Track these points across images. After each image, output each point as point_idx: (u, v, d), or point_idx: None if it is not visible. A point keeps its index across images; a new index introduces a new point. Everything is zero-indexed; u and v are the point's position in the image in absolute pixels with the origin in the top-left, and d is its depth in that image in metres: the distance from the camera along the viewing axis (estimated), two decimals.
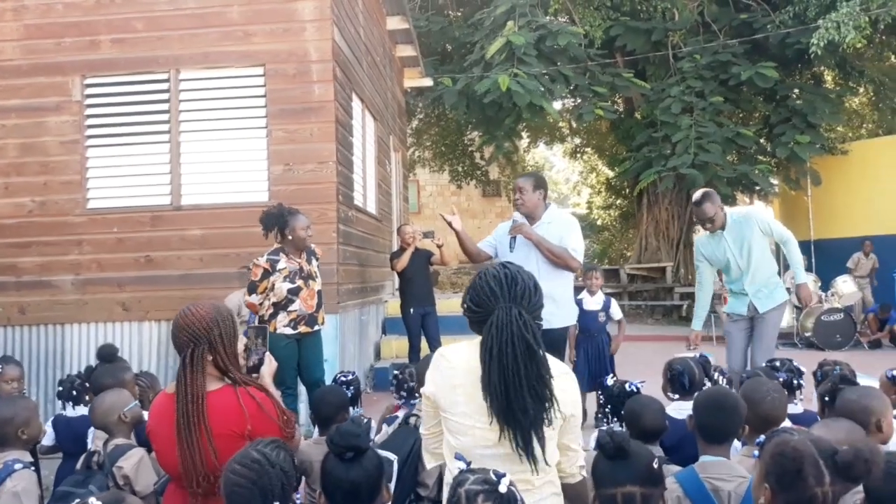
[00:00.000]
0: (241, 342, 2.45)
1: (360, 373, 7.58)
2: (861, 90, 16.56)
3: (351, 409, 3.75)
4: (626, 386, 3.49)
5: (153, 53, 6.60)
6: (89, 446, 3.34)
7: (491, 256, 4.94)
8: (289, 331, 5.07)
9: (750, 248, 5.09)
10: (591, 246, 22.99)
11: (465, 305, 2.11)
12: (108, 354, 4.12)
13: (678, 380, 3.42)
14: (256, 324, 5.43)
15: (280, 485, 1.90)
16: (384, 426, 3.49)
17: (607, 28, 13.52)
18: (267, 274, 5.05)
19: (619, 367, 6.15)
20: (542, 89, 11.98)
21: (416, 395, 3.52)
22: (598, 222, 23.72)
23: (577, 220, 5.11)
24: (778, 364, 3.63)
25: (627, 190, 18.49)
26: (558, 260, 4.62)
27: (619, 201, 21.57)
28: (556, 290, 4.63)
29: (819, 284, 11.36)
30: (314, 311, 5.15)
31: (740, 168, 12.93)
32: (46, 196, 6.61)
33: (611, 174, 20.00)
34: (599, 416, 4.19)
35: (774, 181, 14.38)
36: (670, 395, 3.45)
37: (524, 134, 18.83)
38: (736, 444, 2.74)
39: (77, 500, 1.95)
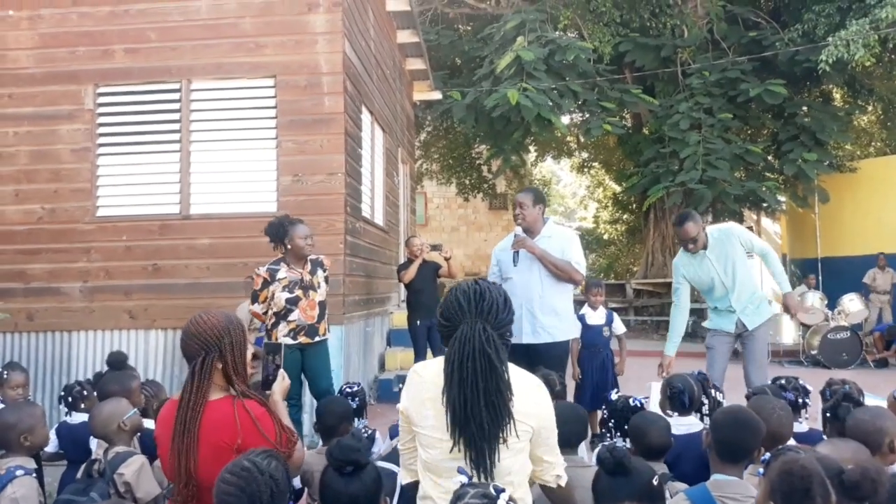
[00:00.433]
0: (250, 351, 2.46)
1: (364, 384, 7.57)
2: (870, 108, 16.57)
3: (356, 420, 3.75)
4: (631, 401, 3.49)
5: (165, 63, 6.66)
6: (93, 453, 3.35)
7: None
8: (289, 340, 5.05)
9: (734, 265, 5.01)
10: (598, 260, 22.97)
11: (437, 320, 2.17)
12: (117, 361, 4.14)
13: (678, 398, 3.40)
14: (268, 339, 5.47)
15: (269, 492, 1.91)
16: (379, 439, 3.50)
17: (616, 44, 13.57)
18: (266, 283, 5.05)
19: (623, 383, 5.99)
20: (551, 104, 12.01)
21: None
22: (605, 237, 23.71)
23: (576, 233, 5.11)
24: (784, 382, 3.62)
25: (634, 205, 18.48)
26: (562, 273, 4.62)
27: (625, 216, 21.56)
28: (559, 303, 4.65)
29: (826, 302, 11.31)
30: (315, 321, 5.10)
31: (748, 185, 12.91)
32: (56, 203, 6.66)
33: (618, 189, 20.01)
34: (603, 430, 4.17)
35: (782, 198, 14.35)
36: (668, 412, 3.43)
37: (532, 148, 18.87)
38: None
39: None
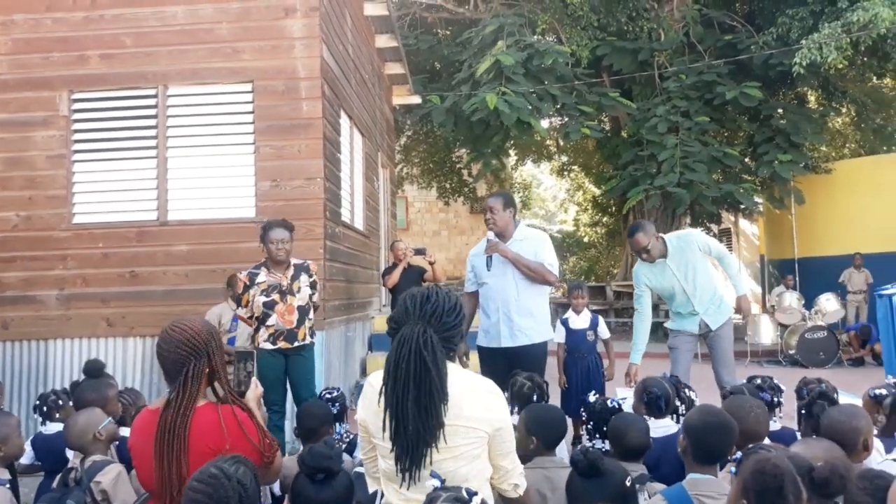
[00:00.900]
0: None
1: (345, 389, 7.55)
2: (843, 110, 16.80)
3: (337, 425, 3.75)
4: (609, 403, 3.51)
5: (141, 69, 6.61)
6: (69, 463, 3.31)
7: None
8: (269, 346, 5.04)
9: (695, 270, 5.07)
10: (578, 263, 23.08)
11: (389, 323, 2.19)
12: (94, 370, 4.09)
13: (655, 403, 3.43)
14: (244, 347, 5.45)
15: (237, 498, 1.89)
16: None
17: (594, 48, 13.65)
18: (246, 288, 5.06)
19: (607, 386, 5.80)
20: (530, 108, 12.07)
21: None
22: (585, 239, 23.83)
23: (548, 235, 5.10)
24: (760, 382, 3.66)
25: (614, 208, 18.60)
26: (535, 275, 4.65)
27: (605, 219, 21.69)
28: (534, 305, 4.68)
29: (803, 302, 11.45)
30: (293, 326, 5.05)
31: (725, 187, 13.04)
32: (32, 211, 6.58)
33: (597, 192, 20.11)
34: (582, 433, 4.19)
35: (759, 200, 14.52)
36: (644, 415, 3.46)
37: (512, 152, 18.93)
38: None
39: None
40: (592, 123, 13.36)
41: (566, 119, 13.93)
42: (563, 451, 3.39)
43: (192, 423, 2.23)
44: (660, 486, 2.71)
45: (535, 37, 13.66)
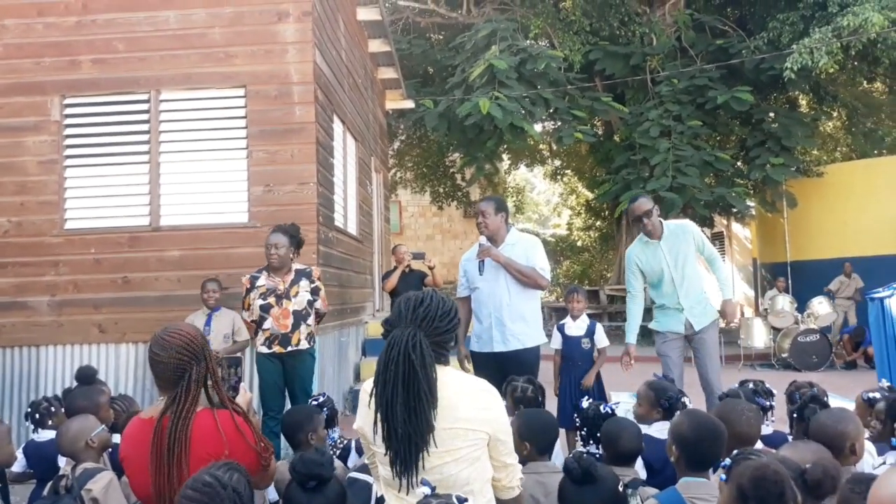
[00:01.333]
0: None
1: (339, 394, 7.55)
2: (834, 114, 16.89)
3: (328, 430, 3.75)
4: (602, 408, 3.51)
5: (134, 74, 6.60)
6: (61, 470, 3.29)
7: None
8: (265, 349, 5.10)
9: (685, 260, 5.08)
10: (572, 267, 23.11)
11: (383, 325, 2.22)
12: (86, 376, 4.07)
13: (675, 406, 3.44)
14: (232, 354, 5.50)
15: None
16: (354, 449, 3.49)
17: (586, 52, 13.70)
18: (248, 291, 5.17)
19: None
20: (523, 112, 12.09)
21: None
22: (579, 243, 23.86)
23: (539, 239, 5.09)
24: (753, 386, 3.68)
25: (607, 212, 18.63)
26: (527, 280, 4.66)
27: (598, 223, 21.73)
28: (526, 310, 4.69)
29: (795, 306, 11.49)
30: (288, 330, 5.09)
31: (717, 191, 13.10)
32: (23, 216, 6.55)
33: (590, 196, 20.16)
34: (576, 438, 4.17)
35: (751, 203, 14.57)
36: (659, 419, 3.46)
37: (505, 156, 18.96)
38: None
39: None
40: (585, 128, 13.41)
41: (559, 123, 13.97)
42: (560, 457, 3.38)
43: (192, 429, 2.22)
44: (652, 491, 2.71)
45: (528, 41, 13.70)
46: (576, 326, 5.44)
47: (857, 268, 12.29)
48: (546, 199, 30.81)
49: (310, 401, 4.03)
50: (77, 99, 6.66)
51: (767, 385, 3.68)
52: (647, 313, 5.37)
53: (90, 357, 6.43)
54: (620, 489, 2.20)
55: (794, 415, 3.10)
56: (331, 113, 7.40)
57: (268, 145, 6.52)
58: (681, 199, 12.41)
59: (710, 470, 2.60)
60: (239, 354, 5.63)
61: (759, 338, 11.30)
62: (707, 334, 5.10)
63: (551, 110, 13.53)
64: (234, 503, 1.89)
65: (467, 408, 2.10)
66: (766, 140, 13.39)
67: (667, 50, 13.76)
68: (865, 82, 15.92)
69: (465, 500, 1.76)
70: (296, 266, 5.25)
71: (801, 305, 11.49)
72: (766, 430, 3.43)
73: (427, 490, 1.85)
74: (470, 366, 4.85)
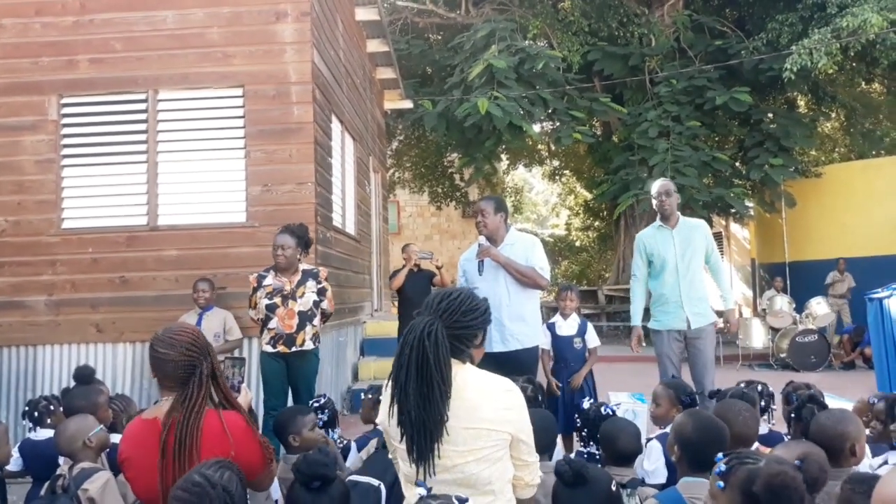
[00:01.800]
0: None
1: (337, 394, 7.54)
2: (833, 115, 16.90)
3: (329, 431, 3.77)
4: (602, 409, 3.51)
5: (131, 73, 6.59)
6: (59, 469, 3.28)
7: None
8: (269, 349, 5.14)
9: (693, 254, 5.12)
10: (570, 267, 23.12)
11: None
12: (84, 376, 4.06)
13: (693, 403, 3.45)
14: (236, 354, 5.52)
15: None
16: (353, 449, 3.48)
17: (585, 53, 13.71)
18: (254, 290, 5.20)
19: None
20: (522, 112, 12.09)
21: None
22: (577, 243, 23.87)
23: (538, 239, 5.07)
24: (759, 388, 3.68)
25: (605, 212, 18.64)
26: (527, 280, 4.65)
27: (597, 223, 21.74)
28: (526, 310, 4.68)
29: (793, 306, 11.50)
30: (293, 331, 5.11)
31: (716, 191, 13.10)
32: (20, 216, 6.54)
33: (589, 196, 20.17)
34: (576, 439, 4.16)
35: (750, 204, 14.58)
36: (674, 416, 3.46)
37: (503, 156, 18.96)
38: None
39: None
40: (584, 128, 13.41)
41: (558, 124, 13.97)
42: (559, 454, 3.38)
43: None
44: (651, 491, 2.71)
45: (527, 42, 13.70)
46: (567, 325, 5.33)
47: (855, 268, 12.30)
48: (544, 200, 30.81)
49: (311, 402, 4.03)
50: (75, 98, 6.65)
51: (763, 387, 3.67)
52: (647, 313, 5.36)
53: (87, 357, 6.42)
54: (614, 489, 2.19)
55: (792, 415, 3.10)
56: (329, 113, 7.39)
57: (266, 145, 6.51)
58: (679, 200, 12.40)
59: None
60: (244, 355, 5.64)
61: (757, 338, 11.30)
62: (704, 335, 5.09)
63: (550, 111, 13.53)
64: (223, 502, 1.87)
65: (490, 409, 2.10)
66: (764, 140, 13.39)
67: (665, 50, 13.77)
68: (864, 83, 15.94)
69: (466, 499, 1.76)
70: (303, 267, 5.27)
71: (800, 306, 11.50)
72: (763, 429, 3.43)
73: (423, 491, 1.84)
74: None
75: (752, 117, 13.74)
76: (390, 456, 2.35)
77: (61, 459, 3.33)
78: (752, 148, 13.50)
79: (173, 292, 6.39)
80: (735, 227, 18.70)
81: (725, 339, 10.89)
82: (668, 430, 3.34)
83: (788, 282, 12.79)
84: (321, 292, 5.27)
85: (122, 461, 2.35)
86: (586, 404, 3.74)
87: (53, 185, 6.57)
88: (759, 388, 3.70)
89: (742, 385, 3.67)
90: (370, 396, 3.94)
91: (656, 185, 5.31)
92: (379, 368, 8.46)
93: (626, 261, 15.65)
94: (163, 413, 2.25)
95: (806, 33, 11.61)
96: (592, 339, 5.32)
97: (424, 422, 2.02)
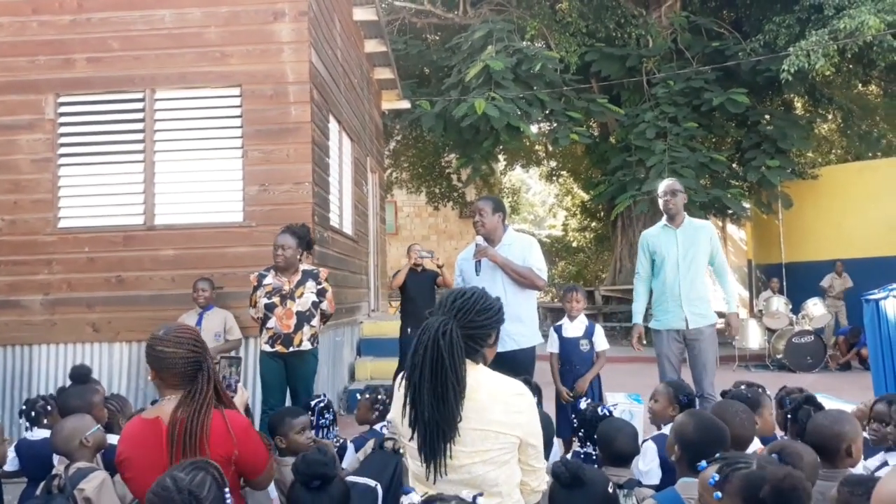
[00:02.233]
0: None
1: (333, 394, 7.53)
2: (830, 117, 16.94)
3: (329, 431, 3.77)
4: (599, 410, 3.51)
5: (129, 73, 6.58)
6: (54, 469, 3.27)
7: None
8: (267, 348, 5.15)
9: (696, 253, 5.12)
10: (567, 267, 23.12)
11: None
12: (80, 375, 4.05)
13: (692, 403, 3.46)
14: (232, 353, 5.52)
15: None
16: (350, 449, 3.48)
17: (583, 54, 13.72)
18: (255, 288, 5.22)
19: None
20: (519, 113, 12.10)
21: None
22: (574, 244, 23.87)
23: (536, 239, 5.05)
24: (745, 387, 3.68)
25: (602, 213, 18.65)
26: (524, 280, 4.65)
27: (594, 224, 21.75)
28: (523, 310, 4.68)
29: (790, 307, 11.51)
30: (291, 331, 5.12)
31: (713, 192, 13.12)
32: (17, 215, 6.52)
33: (586, 197, 20.18)
34: (573, 439, 4.15)
35: (747, 205, 14.60)
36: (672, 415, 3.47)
37: (501, 157, 18.97)
38: None
39: None
40: (581, 129, 13.43)
41: (555, 125, 13.98)
42: (557, 454, 3.38)
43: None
44: (648, 492, 2.71)
45: (525, 43, 13.72)
46: (573, 327, 5.14)
47: (852, 269, 12.32)
48: (542, 200, 30.80)
49: (313, 402, 4.03)
50: (71, 97, 6.63)
51: (759, 389, 3.67)
52: (646, 314, 5.37)
53: (83, 356, 6.40)
54: (611, 490, 2.19)
55: (789, 417, 3.10)
56: (326, 113, 7.38)
57: (263, 145, 6.50)
58: (686, 200, 12.42)
59: None
60: (240, 354, 5.64)
61: (753, 339, 11.31)
62: (704, 336, 5.09)
63: (547, 111, 13.55)
64: None
65: (500, 411, 2.10)
66: (761, 142, 13.42)
67: (663, 52, 13.79)
68: (861, 85, 15.98)
69: (480, 493, 1.77)
70: (304, 267, 5.28)
71: (796, 307, 11.52)
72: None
73: (415, 498, 1.83)
74: None
75: (750, 119, 13.77)
76: (400, 450, 2.35)
77: (57, 459, 3.32)
78: (749, 149, 13.53)
79: (170, 292, 6.38)
80: (732, 228, 18.74)
81: (722, 340, 10.89)
82: (664, 431, 3.35)
83: (785, 283, 12.80)
84: (321, 293, 5.26)
85: (121, 461, 2.34)
86: (583, 404, 3.74)
87: (50, 185, 6.55)
88: (755, 391, 3.70)
89: (742, 386, 3.67)
90: (367, 397, 3.93)
91: (663, 185, 5.35)
92: (375, 369, 8.45)
93: (622, 262, 15.67)
94: (165, 412, 2.24)
95: (803, 35, 11.64)
96: (601, 341, 5.11)
97: (438, 422, 2.02)
